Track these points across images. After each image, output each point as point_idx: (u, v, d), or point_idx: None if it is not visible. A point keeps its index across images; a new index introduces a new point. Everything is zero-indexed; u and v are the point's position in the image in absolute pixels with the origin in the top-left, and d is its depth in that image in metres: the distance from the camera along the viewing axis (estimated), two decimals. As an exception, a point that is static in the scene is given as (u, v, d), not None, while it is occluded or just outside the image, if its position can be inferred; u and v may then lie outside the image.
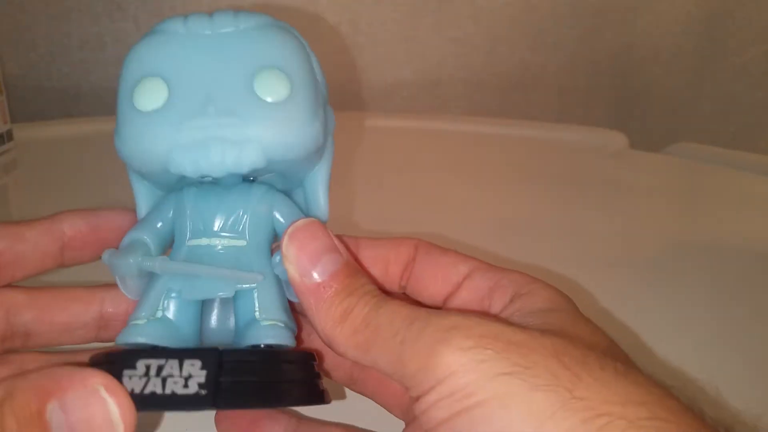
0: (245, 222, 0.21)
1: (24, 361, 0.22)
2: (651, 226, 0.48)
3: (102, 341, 0.23)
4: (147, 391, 0.18)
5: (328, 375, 0.24)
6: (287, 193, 0.23)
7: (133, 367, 0.18)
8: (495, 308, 0.21)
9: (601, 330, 0.20)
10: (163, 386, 0.18)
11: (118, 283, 0.21)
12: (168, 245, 0.22)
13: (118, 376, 0.18)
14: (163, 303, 0.21)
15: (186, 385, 0.18)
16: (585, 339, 0.18)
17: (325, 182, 0.23)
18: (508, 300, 0.21)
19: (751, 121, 0.84)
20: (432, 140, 0.66)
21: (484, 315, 0.18)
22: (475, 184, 0.54)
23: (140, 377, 0.18)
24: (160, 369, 0.18)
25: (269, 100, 0.20)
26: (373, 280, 0.20)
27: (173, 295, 0.21)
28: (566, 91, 0.84)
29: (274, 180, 0.23)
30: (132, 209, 0.23)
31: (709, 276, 0.41)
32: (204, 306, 0.21)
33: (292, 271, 0.20)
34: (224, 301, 0.22)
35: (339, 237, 0.21)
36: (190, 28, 0.21)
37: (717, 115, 0.86)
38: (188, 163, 0.20)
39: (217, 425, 0.23)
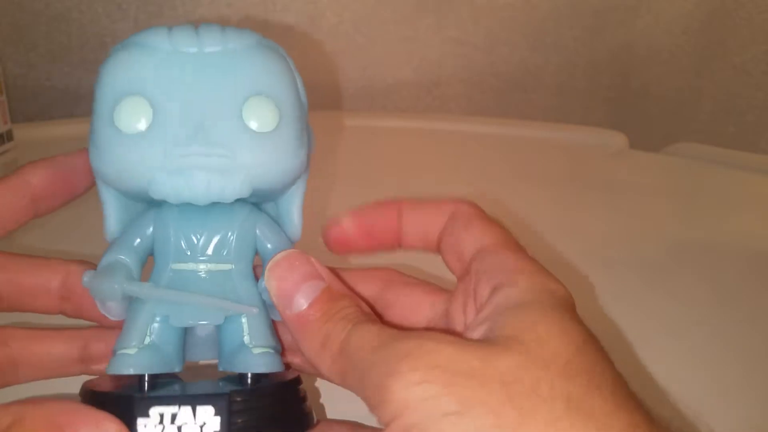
0: (231, 245, 0.21)
1: (4, 335, 0.22)
2: (651, 226, 0.48)
3: (65, 314, 0.23)
4: None
5: (320, 375, 0.24)
6: (258, 206, 0.23)
7: (147, 415, 0.18)
8: (479, 300, 0.21)
9: (578, 329, 0.18)
10: None
11: (98, 305, 0.21)
12: (146, 262, 0.22)
13: (132, 424, 0.18)
14: (150, 328, 0.20)
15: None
16: (548, 345, 0.17)
17: (300, 201, 0.23)
18: (490, 291, 0.20)
19: (751, 121, 0.84)
20: (432, 140, 0.66)
21: (442, 335, 0.18)
22: (474, 184, 0.54)
23: (155, 425, 0.18)
24: (174, 417, 0.19)
25: (258, 130, 0.20)
26: (358, 301, 0.20)
27: (158, 319, 0.20)
28: (566, 91, 0.84)
29: (249, 198, 0.23)
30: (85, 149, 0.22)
31: (709, 276, 0.41)
32: (188, 331, 0.22)
33: (276, 304, 0.20)
34: (209, 326, 0.22)
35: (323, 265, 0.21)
36: (175, 44, 0.20)
37: (717, 115, 0.86)
38: (170, 190, 0.19)
39: None
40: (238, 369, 0.20)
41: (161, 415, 0.19)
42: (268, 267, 0.20)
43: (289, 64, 0.21)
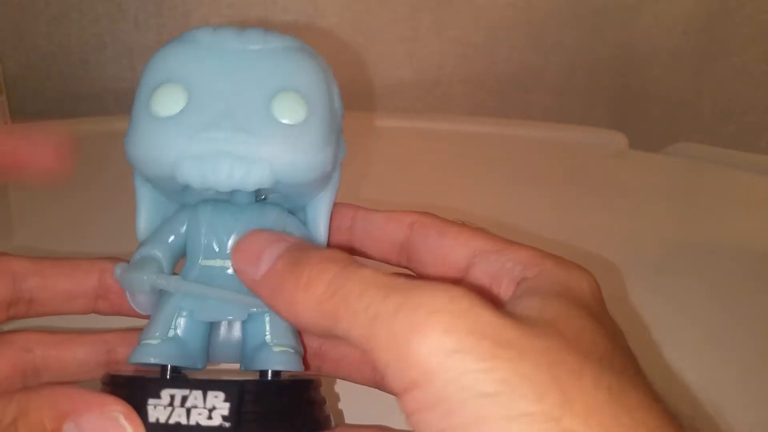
0: None
1: (28, 341, 0.22)
2: (651, 226, 0.48)
3: (99, 312, 0.24)
4: (172, 420, 0.18)
5: (309, 329, 0.24)
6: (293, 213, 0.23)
7: (158, 396, 0.19)
8: (503, 297, 0.20)
9: (609, 323, 0.18)
10: (188, 417, 0.18)
11: (128, 298, 0.22)
12: (178, 260, 0.22)
13: (143, 404, 0.18)
14: (175, 321, 0.21)
15: (210, 417, 0.18)
16: (584, 337, 0.16)
17: (328, 210, 0.23)
18: (515, 286, 0.19)
19: (751, 121, 0.84)
20: (432, 140, 0.66)
21: (475, 295, 0.16)
22: (474, 184, 0.54)
23: (165, 407, 0.19)
24: (184, 399, 0.19)
25: (284, 121, 0.20)
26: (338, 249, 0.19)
27: (184, 314, 0.21)
28: (566, 91, 0.84)
29: (280, 201, 0.23)
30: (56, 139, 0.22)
31: (709, 276, 0.41)
32: (213, 326, 0.22)
33: (243, 278, 0.19)
34: (234, 322, 0.22)
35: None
36: (217, 40, 0.21)
37: (717, 115, 0.86)
38: (195, 174, 0.20)
39: None
40: (257, 366, 0.21)
41: (172, 397, 0.19)
42: (231, 248, 0.20)
43: (325, 69, 0.22)
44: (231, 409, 0.19)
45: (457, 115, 0.80)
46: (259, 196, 0.23)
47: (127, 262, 0.22)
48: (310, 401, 0.21)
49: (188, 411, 0.18)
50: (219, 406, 0.19)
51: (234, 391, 0.19)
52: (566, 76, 0.83)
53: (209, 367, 0.22)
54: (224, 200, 0.22)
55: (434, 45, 0.79)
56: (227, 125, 0.20)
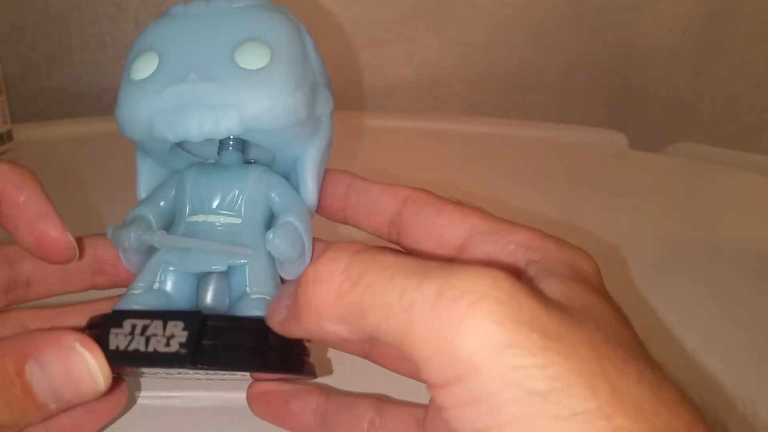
0: (241, 200, 0.22)
1: (20, 318, 0.23)
2: (651, 226, 0.48)
3: (98, 287, 0.24)
4: (131, 348, 0.19)
5: (342, 348, 0.24)
6: (285, 177, 0.23)
7: (120, 326, 0.19)
8: None
9: (619, 309, 0.17)
10: (146, 344, 0.19)
11: (121, 256, 0.22)
12: (169, 222, 0.23)
13: (106, 334, 0.19)
14: (161, 276, 0.21)
15: (168, 344, 0.19)
16: (611, 326, 0.16)
17: (315, 165, 0.23)
18: (518, 269, 0.19)
19: (751, 121, 0.84)
20: (432, 140, 0.66)
21: (515, 278, 0.15)
22: (474, 184, 0.54)
23: (125, 335, 0.19)
24: (144, 328, 0.19)
25: (248, 67, 0.20)
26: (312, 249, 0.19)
27: (171, 268, 0.21)
28: (566, 91, 0.84)
29: (269, 160, 0.24)
30: (62, 228, 0.22)
31: (709, 276, 0.41)
32: (200, 282, 0.22)
33: (278, 328, 0.19)
34: (220, 278, 0.22)
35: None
36: (187, 10, 0.22)
37: (717, 115, 0.86)
38: (167, 128, 0.20)
39: (250, 406, 0.24)
40: (237, 313, 0.21)
41: (133, 326, 0.19)
42: (267, 316, 0.19)
43: (295, 23, 0.22)
44: (189, 338, 0.19)
45: (457, 115, 0.80)
46: (246, 157, 0.24)
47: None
48: (282, 342, 0.20)
49: (147, 339, 0.19)
50: (177, 334, 0.19)
51: (193, 320, 0.19)
52: (566, 76, 0.83)
53: None
54: (212, 163, 0.23)
55: (434, 45, 0.79)
56: (193, 77, 0.20)
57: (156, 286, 0.21)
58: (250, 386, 0.24)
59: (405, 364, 0.22)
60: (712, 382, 0.31)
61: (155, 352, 0.19)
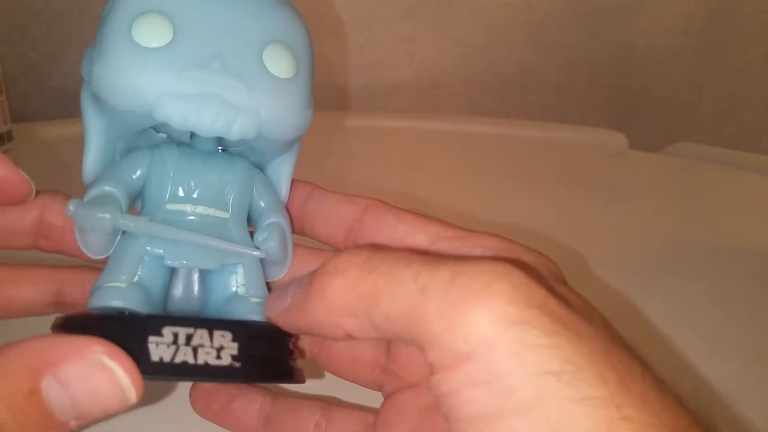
0: (231, 194, 0.21)
1: None
2: (651, 226, 0.48)
3: (41, 249, 0.22)
4: (177, 360, 0.17)
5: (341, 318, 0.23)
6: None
7: (160, 334, 0.17)
8: None
9: (593, 307, 0.18)
10: (195, 356, 0.17)
11: (77, 237, 0.20)
12: (134, 202, 0.21)
13: (143, 343, 0.17)
14: (142, 266, 0.19)
15: (219, 356, 0.17)
16: (609, 327, 0.16)
17: (290, 172, 0.23)
18: None
19: (751, 121, 0.84)
20: (432, 140, 0.66)
21: (521, 265, 0.15)
22: (474, 184, 0.54)
23: (168, 345, 0.17)
24: (189, 338, 0.17)
25: (276, 74, 0.19)
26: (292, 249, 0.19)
27: (147, 258, 0.19)
28: (566, 91, 0.84)
29: (248, 155, 0.22)
30: (15, 169, 0.20)
31: (709, 276, 0.41)
32: (174, 275, 0.21)
33: (275, 318, 0.19)
34: (200, 274, 0.21)
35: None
36: None
37: (717, 115, 0.86)
38: (177, 114, 0.18)
39: (192, 404, 0.23)
40: (235, 316, 0.20)
41: (175, 335, 0.17)
42: (265, 307, 0.19)
43: (307, 30, 0.22)
44: (240, 349, 0.18)
45: (457, 115, 0.80)
46: (225, 148, 0.22)
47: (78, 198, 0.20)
48: (291, 352, 0.21)
49: (195, 350, 0.17)
50: (227, 345, 0.18)
51: (241, 331, 0.18)
52: (566, 76, 0.83)
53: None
54: (187, 145, 0.21)
55: (434, 45, 0.79)
56: (218, 68, 0.19)
57: (136, 278, 0.19)
58: (194, 384, 0.23)
59: (357, 369, 0.22)
60: (708, 383, 0.31)
61: (206, 365, 0.17)
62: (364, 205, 0.22)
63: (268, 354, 0.19)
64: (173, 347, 0.17)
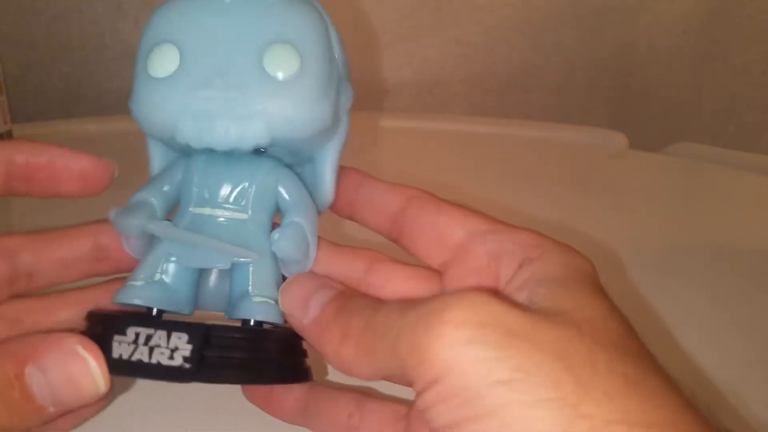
0: (250, 196, 0.21)
1: (11, 245, 0.22)
2: (651, 226, 0.48)
3: (100, 275, 0.24)
4: (134, 358, 0.18)
5: (355, 373, 0.24)
6: (294, 168, 0.23)
7: (124, 333, 0.19)
8: (503, 278, 0.20)
9: (618, 310, 0.18)
10: (150, 355, 0.18)
11: (123, 242, 0.22)
12: (173, 208, 0.22)
13: (109, 340, 0.19)
14: (163, 266, 0.21)
15: (171, 357, 0.18)
16: (597, 324, 0.17)
17: (333, 162, 0.23)
18: (517, 266, 0.19)
19: (751, 121, 0.84)
20: (432, 140, 0.66)
21: (482, 290, 0.16)
22: (474, 184, 0.54)
23: (129, 344, 0.19)
24: (148, 338, 0.19)
25: (277, 76, 0.20)
26: (373, 298, 0.20)
27: (173, 259, 0.21)
28: (566, 91, 0.84)
29: (283, 154, 0.23)
30: (95, 156, 0.22)
31: (709, 276, 0.41)
32: (202, 271, 0.22)
33: (291, 321, 0.20)
34: (222, 274, 0.22)
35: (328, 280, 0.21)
36: None
37: (717, 115, 0.86)
38: (193, 135, 0.20)
39: (243, 390, 0.24)
40: (238, 315, 0.21)
41: (137, 335, 0.19)
42: (280, 289, 0.20)
43: (322, 15, 0.21)
44: (192, 352, 0.19)
45: (457, 115, 0.80)
46: (258, 150, 0.22)
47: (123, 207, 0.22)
48: (284, 351, 0.21)
49: (151, 349, 0.18)
50: (181, 347, 0.19)
51: (198, 333, 0.19)
52: (566, 76, 0.83)
53: (197, 314, 0.22)
54: (222, 152, 0.22)
55: (434, 45, 0.79)
56: (219, 84, 0.20)
57: (157, 277, 0.21)
58: None
59: None
60: (707, 384, 0.31)
61: (159, 364, 0.18)
62: (408, 195, 0.22)
63: (243, 356, 0.20)
64: (132, 346, 0.19)
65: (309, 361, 0.22)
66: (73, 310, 0.23)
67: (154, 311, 0.20)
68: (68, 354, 0.17)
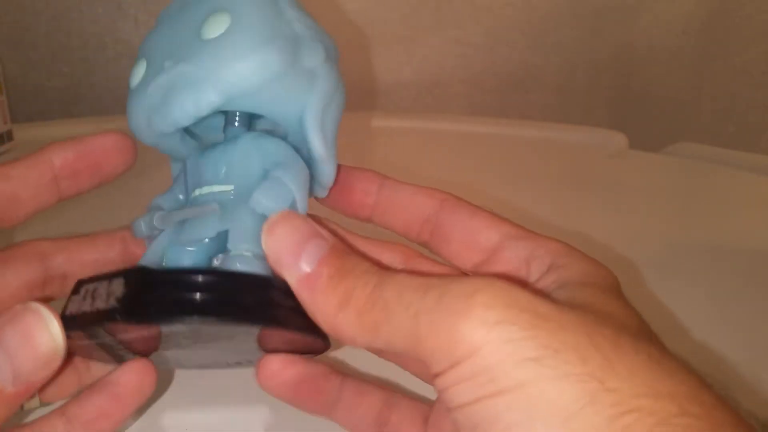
0: (231, 167, 0.22)
1: (42, 248, 0.23)
2: (651, 226, 0.48)
3: None
4: (81, 310, 0.19)
5: (349, 341, 0.21)
6: (296, 146, 0.22)
7: (77, 292, 0.19)
8: (531, 280, 0.20)
9: (637, 312, 0.19)
10: (92, 304, 0.18)
11: (147, 245, 0.22)
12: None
13: (66, 302, 0.19)
14: (168, 256, 0.21)
15: (107, 301, 0.18)
16: (617, 318, 0.17)
17: (316, 118, 0.22)
18: (545, 270, 0.20)
19: (751, 121, 0.84)
20: (432, 140, 0.66)
21: (509, 279, 0.16)
22: (474, 184, 0.54)
23: (79, 301, 0.19)
24: (95, 291, 0.19)
25: (210, 37, 0.20)
26: (371, 260, 0.19)
27: (177, 247, 0.21)
28: (566, 91, 0.84)
29: (269, 124, 0.23)
30: (118, 130, 0.23)
31: (709, 276, 0.41)
32: (211, 258, 0.21)
33: (277, 268, 0.18)
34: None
35: (320, 220, 0.21)
36: (168, 10, 0.23)
37: (717, 115, 0.86)
38: (160, 120, 0.21)
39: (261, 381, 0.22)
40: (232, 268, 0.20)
41: (86, 291, 0.19)
42: (264, 228, 0.19)
43: None
44: (126, 292, 0.18)
45: (457, 115, 0.80)
46: (254, 130, 0.23)
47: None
48: (248, 291, 0.19)
49: (93, 299, 0.18)
50: (117, 290, 0.18)
51: (134, 275, 0.18)
52: (566, 76, 0.83)
53: None
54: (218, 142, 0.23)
55: (434, 45, 0.79)
56: (169, 65, 0.21)
57: (163, 264, 0.21)
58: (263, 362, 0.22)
59: (409, 362, 0.23)
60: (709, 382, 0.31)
61: (95, 310, 0.18)
62: (441, 198, 0.23)
63: (194, 296, 0.18)
64: (81, 302, 0.19)
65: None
66: (104, 249, 0.24)
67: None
68: (23, 311, 0.17)
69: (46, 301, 0.22)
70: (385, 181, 0.24)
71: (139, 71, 0.22)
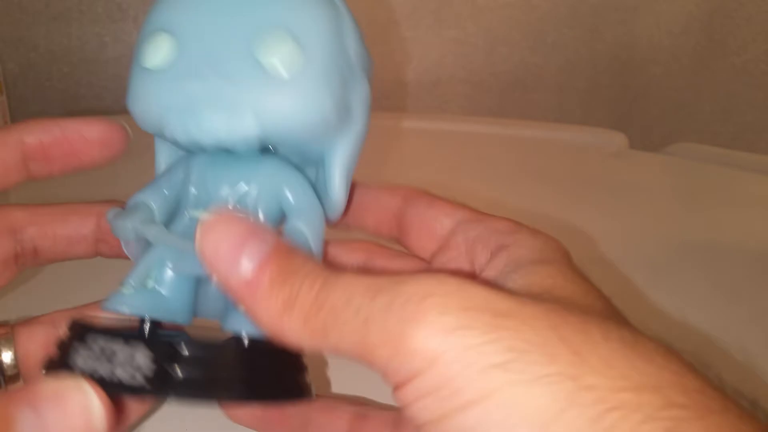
0: (250, 198, 0.20)
1: (15, 219, 0.22)
2: (651, 226, 0.48)
3: (102, 255, 0.24)
4: (96, 375, 0.17)
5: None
6: (305, 170, 0.21)
7: (83, 340, 0.18)
8: (477, 265, 0.20)
9: (595, 287, 0.18)
10: (112, 370, 0.17)
11: (122, 245, 0.21)
12: (174, 209, 0.21)
13: (73, 350, 0.18)
14: (156, 273, 0.19)
15: (133, 377, 0.17)
16: (581, 301, 0.16)
17: (344, 162, 0.21)
18: (489, 253, 0.19)
19: (751, 121, 0.84)
20: (432, 140, 0.66)
21: (462, 275, 0.15)
22: (474, 184, 0.54)
23: (93, 358, 0.18)
24: (112, 353, 0.17)
25: (271, 66, 0.18)
26: (326, 261, 0.18)
27: (169, 265, 0.19)
28: (566, 91, 0.84)
29: (290, 152, 0.21)
30: (105, 117, 0.22)
31: (709, 276, 0.41)
32: (199, 285, 0.20)
33: (214, 271, 0.17)
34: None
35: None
36: None
37: (717, 115, 0.86)
38: (179, 128, 0.18)
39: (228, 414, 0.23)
40: (226, 327, 0.19)
41: (102, 349, 0.18)
42: (199, 226, 0.17)
43: (333, 3, 0.20)
44: (156, 371, 0.17)
45: (457, 115, 0.80)
46: (266, 147, 0.21)
47: (122, 206, 0.21)
48: (272, 367, 0.19)
49: (111, 362, 0.17)
50: (142, 363, 0.17)
51: (164, 351, 0.17)
52: (566, 76, 0.83)
53: (195, 323, 0.21)
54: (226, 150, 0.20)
55: (434, 45, 0.79)
56: (209, 74, 0.18)
57: (150, 284, 0.19)
58: None
59: None
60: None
61: (120, 383, 0.17)
62: (403, 194, 0.23)
63: (218, 375, 0.18)
64: (95, 361, 0.18)
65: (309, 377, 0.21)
66: (77, 224, 0.23)
67: (147, 323, 0.19)
68: (70, 388, 0.16)
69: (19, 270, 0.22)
70: (355, 185, 0.23)
71: (163, 51, 0.19)
